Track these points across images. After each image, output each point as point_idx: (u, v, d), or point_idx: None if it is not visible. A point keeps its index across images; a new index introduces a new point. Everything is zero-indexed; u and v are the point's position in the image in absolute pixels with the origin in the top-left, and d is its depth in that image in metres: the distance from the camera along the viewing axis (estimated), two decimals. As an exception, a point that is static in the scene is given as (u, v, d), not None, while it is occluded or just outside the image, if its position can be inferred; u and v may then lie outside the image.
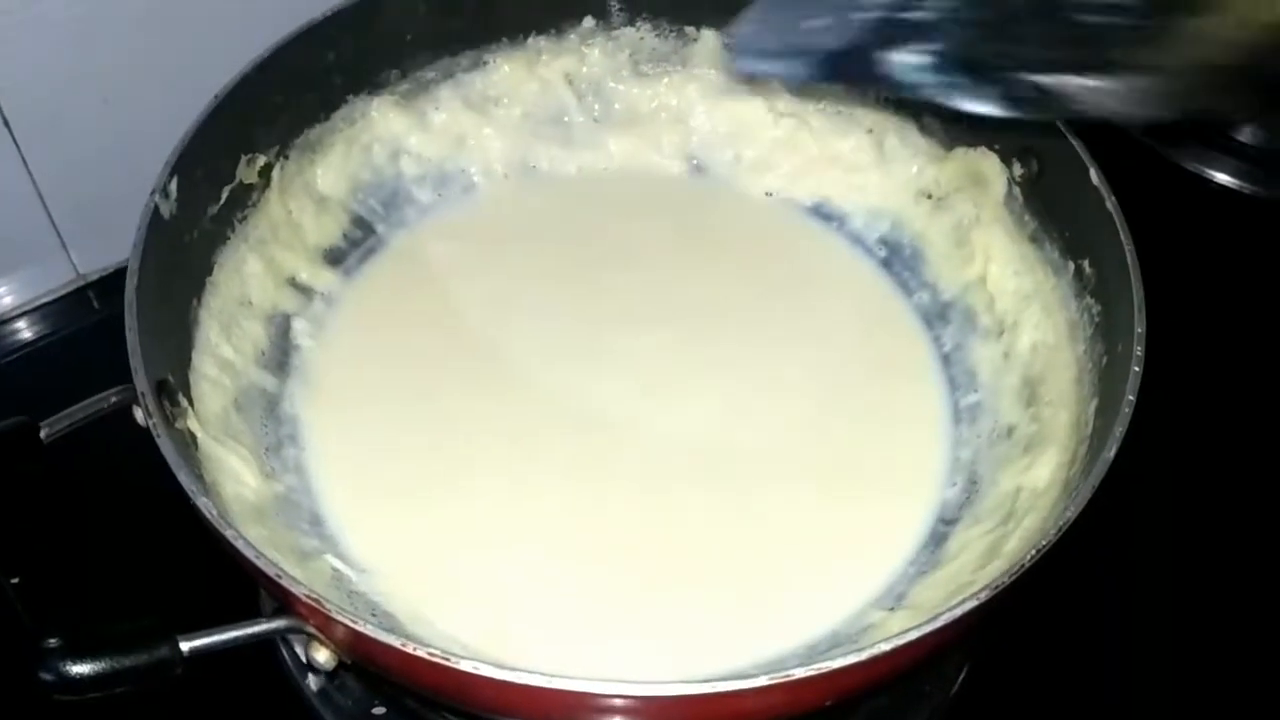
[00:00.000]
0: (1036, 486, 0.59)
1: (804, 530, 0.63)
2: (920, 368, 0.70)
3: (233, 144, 0.65)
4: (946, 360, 0.70)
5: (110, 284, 0.83)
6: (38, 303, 0.83)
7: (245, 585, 0.60)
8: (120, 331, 0.53)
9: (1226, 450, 0.76)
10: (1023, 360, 0.66)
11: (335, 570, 0.59)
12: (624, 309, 0.72)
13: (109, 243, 0.80)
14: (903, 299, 0.73)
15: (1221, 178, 0.88)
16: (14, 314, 0.82)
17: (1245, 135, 0.89)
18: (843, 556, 0.62)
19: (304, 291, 0.70)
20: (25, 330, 0.82)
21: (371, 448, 0.65)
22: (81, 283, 0.83)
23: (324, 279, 0.71)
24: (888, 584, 0.61)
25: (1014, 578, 0.47)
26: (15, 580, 0.47)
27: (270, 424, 0.65)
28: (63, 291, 0.83)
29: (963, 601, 0.46)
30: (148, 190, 0.58)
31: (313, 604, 0.46)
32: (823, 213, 0.77)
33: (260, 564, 0.47)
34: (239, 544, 0.47)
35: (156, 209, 0.58)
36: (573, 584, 0.60)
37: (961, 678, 0.65)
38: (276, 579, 0.46)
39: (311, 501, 0.63)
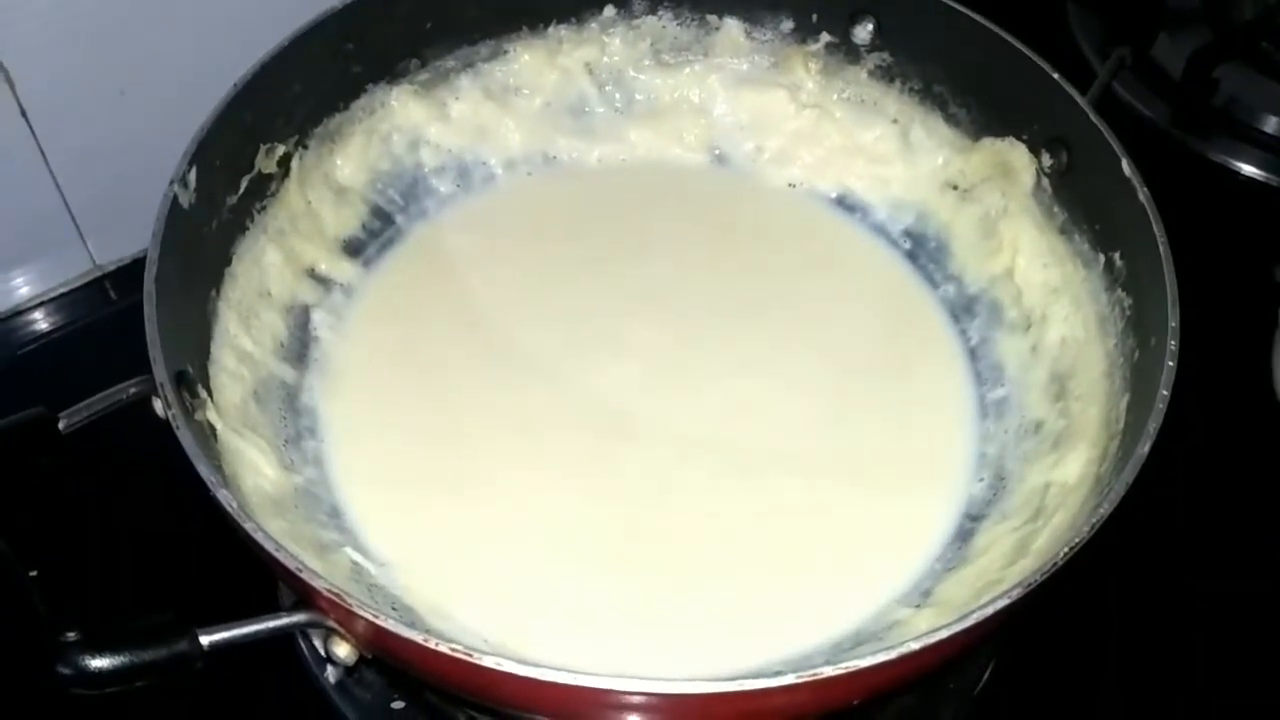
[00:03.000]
0: (1066, 482, 0.58)
1: (828, 526, 0.62)
2: (946, 361, 0.69)
3: (251, 133, 0.65)
4: (973, 354, 0.69)
5: (127, 274, 0.83)
6: (55, 293, 0.82)
7: (263, 578, 0.59)
8: (137, 322, 0.53)
9: (1253, 443, 0.75)
10: (1051, 354, 0.66)
11: (355, 563, 0.59)
12: (645, 301, 0.71)
13: (126, 233, 0.80)
14: (928, 291, 0.72)
15: (1248, 169, 0.87)
16: (31, 304, 0.82)
17: (1272, 126, 0.88)
18: (867, 552, 0.61)
19: (323, 283, 0.69)
20: (42, 321, 0.82)
21: (391, 440, 0.64)
22: (98, 273, 0.83)
23: (343, 270, 0.70)
24: (914, 581, 0.60)
25: (1047, 575, 0.46)
26: (33, 573, 0.47)
27: (289, 416, 0.64)
28: (79, 282, 0.83)
29: (995, 600, 0.46)
30: (165, 181, 0.58)
31: (334, 598, 0.45)
32: (846, 204, 0.76)
33: (281, 557, 0.46)
34: (259, 536, 0.47)
35: (175, 199, 0.57)
36: (593, 578, 0.60)
37: (988, 674, 0.65)
38: (297, 572, 0.46)
39: (330, 494, 0.62)
